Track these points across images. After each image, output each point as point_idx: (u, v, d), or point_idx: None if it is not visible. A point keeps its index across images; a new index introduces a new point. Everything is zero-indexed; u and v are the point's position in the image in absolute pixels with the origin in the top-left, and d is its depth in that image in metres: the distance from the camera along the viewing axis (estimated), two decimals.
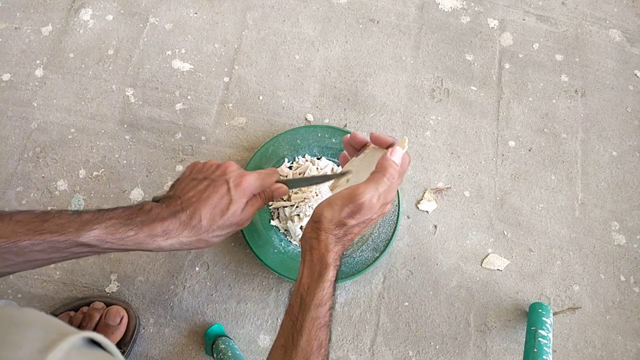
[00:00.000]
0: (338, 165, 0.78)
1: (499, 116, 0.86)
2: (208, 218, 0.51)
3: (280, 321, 0.72)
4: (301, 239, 0.52)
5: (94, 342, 0.37)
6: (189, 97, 0.85)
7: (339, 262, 0.50)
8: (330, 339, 0.48)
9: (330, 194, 0.61)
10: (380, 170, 0.50)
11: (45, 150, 0.81)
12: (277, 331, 0.71)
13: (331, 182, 0.59)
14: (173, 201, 0.53)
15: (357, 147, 0.58)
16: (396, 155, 0.52)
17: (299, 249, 0.73)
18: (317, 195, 0.73)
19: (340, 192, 0.50)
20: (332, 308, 0.48)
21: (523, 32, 0.92)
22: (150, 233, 0.49)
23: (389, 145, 0.54)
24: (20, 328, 0.34)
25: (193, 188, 0.54)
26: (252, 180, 0.55)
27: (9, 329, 0.34)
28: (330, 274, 0.48)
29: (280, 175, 0.61)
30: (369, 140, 0.58)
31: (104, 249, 0.48)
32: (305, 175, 0.75)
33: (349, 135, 0.59)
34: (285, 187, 0.59)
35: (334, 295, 0.49)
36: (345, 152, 0.61)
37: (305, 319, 0.45)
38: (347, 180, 0.56)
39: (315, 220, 0.50)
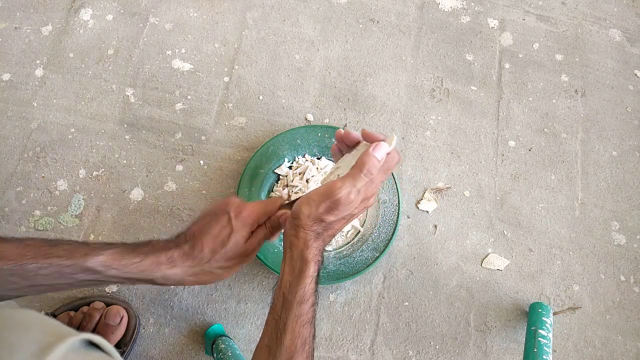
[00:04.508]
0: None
1: (499, 116, 0.86)
2: (209, 248, 0.52)
3: None
4: (283, 237, 0.52)
5: (92, 344, 0.37)
6: (189, 97, 0.85)
7: (321, 258, 0.50)
8: (314, 336, 0.47)
9: None
10: (358, 165, 0.50)
11: (45, 150, 0.81)
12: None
13: (344, 156, 0.58)
14: (179, 236, 0.54)
15: (350, 145, 0.58)
16: (378, 151, 0.51)
17: None
18: None
19: (318, 188, 0.50)
20: (315, 304, 0.48)
21: (523, 32, 0.92)
22: (156, 261, 0.50)
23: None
24: (18, 330, 0.34)
25: (197, 223, 0.55)
26: (252, 209, 0.55)
27: (6, 331, 0.34)
28: (311, 270, 0.48)
29: (284, 200, 0.60)
30: (359, 138, 0.58)
31: (108, 276, 0.48)
32: (305, 175, 0.75)
33: (342, 130, 0.58)
34: (289, 212, 0.56)
35: (316, 291, 0.48)
36: (336, 144, 0.60)
37: (288, 317, 0.45)
38: (338, 176, 0.57)
39: (294, 217, 0.50)
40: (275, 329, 0.45)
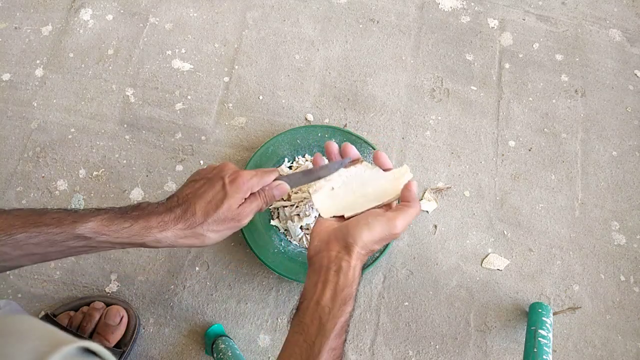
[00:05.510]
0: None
1: (499, 116, 0.86)
2: (202, 211, 0.51)
3: (280, 321, 0.72)
4: (316, 251, 0.50)
5: (89, 351, 0.37)
6: (189, 97, 0.85)
7: None
8: None
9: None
10: (412, 204, 0.52)
11: (45, 150, 0.81)
12: (277, 331, 0.71)
13: (340, 170, 0.58)
14: (170, 199, 0.53)
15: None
16: (415, 188, 0.54)
17: (299, 249, 0.73)
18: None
19: (378, 220, 0.50)
20: (345, 341, 0.47)
21: (523, 32, 0.92)
22: (146, 225, 0.49)
23: (387, 169, 0.56)
24: (12, 339, 0.34)
25: (190, 187, 0.54)
26: (247, 176, 0.54)
27: (0, 341, 0.33)
28: (353, 304, 0.47)
29: (281, 174, 0.59)
30: (360, 157, 0.58)
31: (99, 242, 0.48)
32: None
33: (331, 142, 0.58)
34: (285, 184, 0.57)
35: (348, 326, 0.47)
36: (319, 154, 0.60)
37: (323, 347, 0.43)
38: (332, 188, 0.57)
39: (350, 241, 0.48)
40: (307, 355, 0.44)
